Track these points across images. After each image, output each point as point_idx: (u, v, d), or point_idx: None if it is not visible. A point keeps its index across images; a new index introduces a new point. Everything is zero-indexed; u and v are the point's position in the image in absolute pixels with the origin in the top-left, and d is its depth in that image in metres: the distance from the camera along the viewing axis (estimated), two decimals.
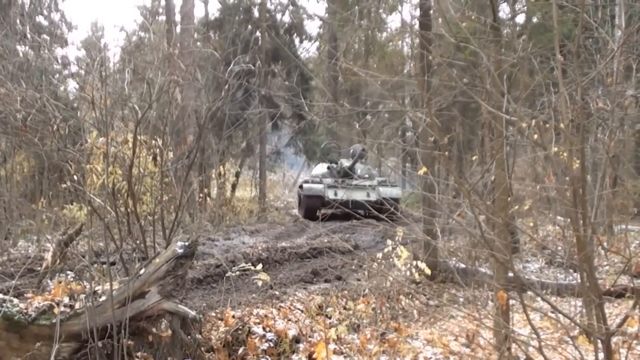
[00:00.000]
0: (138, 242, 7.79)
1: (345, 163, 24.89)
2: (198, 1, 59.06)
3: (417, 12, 13.00)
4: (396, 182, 25.11)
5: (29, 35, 21.51)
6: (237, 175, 26.90)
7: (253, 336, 6.57)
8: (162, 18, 32.31)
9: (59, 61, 20.98)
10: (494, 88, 5.26)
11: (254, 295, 8.35)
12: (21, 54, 18.27)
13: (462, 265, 10.05)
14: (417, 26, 12.28)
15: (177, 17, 23.54)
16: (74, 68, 22.19)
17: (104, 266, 5.99)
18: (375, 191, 22.52)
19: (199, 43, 24.11)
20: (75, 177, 8.11)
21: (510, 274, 5.91)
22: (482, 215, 5.05)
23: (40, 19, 26.93)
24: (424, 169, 7.80)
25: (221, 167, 22.78)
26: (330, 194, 22.71)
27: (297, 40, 29.79)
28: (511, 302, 5.79)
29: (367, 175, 24.11)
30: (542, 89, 6.06)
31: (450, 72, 5.42)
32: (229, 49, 18.11)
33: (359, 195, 21.46)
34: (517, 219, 10.09)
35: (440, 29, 9.76)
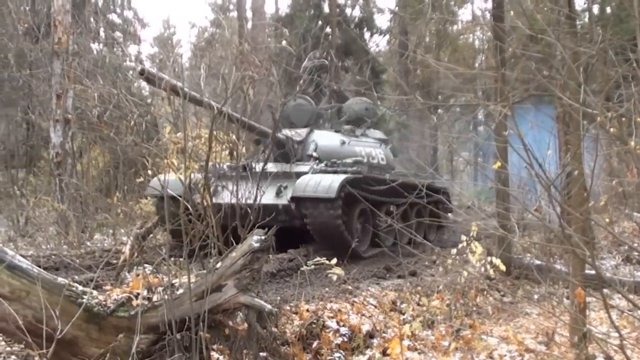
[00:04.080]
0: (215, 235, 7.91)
1: (290, 133, 13.34)
2: None
3: (489, 4, 12.82)
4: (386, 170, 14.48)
5: (102, 33, 22.05)
6: None
7: (327, 330, 6.60)
8: (234, 14, 32.67)
9: (133, 58, 21.42)
10: (571, 80, 5.16)
11: (327, 289, 8.38)
12: (95, 52, 18.78)
13: (537, 262, 9.88)
14: (489, 18, 12.14)
15: (249, 14, 23.79)
16: (147, 64, 22.68)
17: (181, 260, 6.09)
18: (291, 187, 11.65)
19: (269, 39, 24.27)
20: (150, 172, 8.28)
21: (588, 271, 5.80)
22: (559, 210, 4.97)
23: (113, 16, 27.50)
24: (499, 163, 7.71)
25: None
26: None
27: (367, 35, 29.74)
28: (587, 299, 5.69)
29: (315, 154, 13.17)
30: (620, 81, 5.93)
31: (528, 64, 5.35)
32: (301, 45, 18.13)
33: (268, 196, 11.05)
34: (592, 214, 9.88)
35: (514, 21, 9.62)
